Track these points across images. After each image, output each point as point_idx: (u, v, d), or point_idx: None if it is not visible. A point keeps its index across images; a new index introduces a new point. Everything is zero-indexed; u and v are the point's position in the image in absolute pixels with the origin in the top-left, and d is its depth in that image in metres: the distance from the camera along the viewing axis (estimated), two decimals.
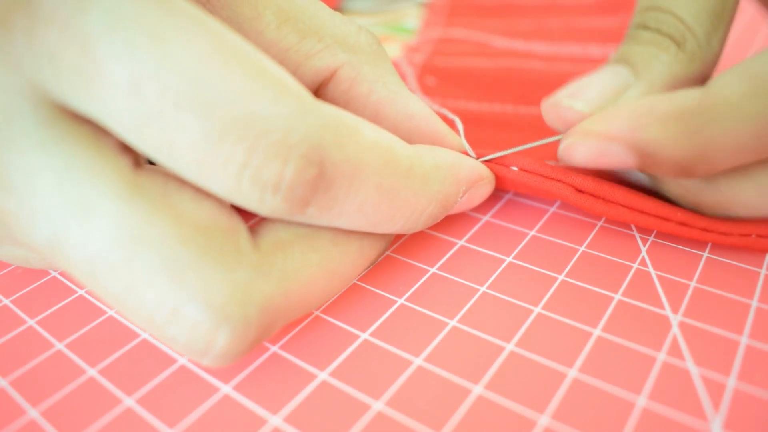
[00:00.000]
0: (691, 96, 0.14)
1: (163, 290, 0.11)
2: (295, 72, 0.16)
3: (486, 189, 0.17)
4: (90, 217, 0.11)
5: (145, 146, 0.11)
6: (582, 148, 0.15)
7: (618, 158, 0.15)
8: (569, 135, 0.15)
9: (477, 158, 0.18)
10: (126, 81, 0.11)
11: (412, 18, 0.36)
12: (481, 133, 0.23)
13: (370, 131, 0.13)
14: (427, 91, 0.26)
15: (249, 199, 0.12)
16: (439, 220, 0.16)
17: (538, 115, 0.24)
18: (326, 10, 0.17)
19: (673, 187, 0.16)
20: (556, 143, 0.18)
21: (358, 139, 0.13)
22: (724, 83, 0.14)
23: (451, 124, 0.23)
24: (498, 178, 0.18)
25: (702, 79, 0.16)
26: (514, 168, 0.17)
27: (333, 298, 0.16)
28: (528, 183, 0.17)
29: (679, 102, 0.14)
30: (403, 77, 0.27)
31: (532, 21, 0.33)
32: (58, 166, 0.11)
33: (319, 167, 0.12)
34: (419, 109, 0.17)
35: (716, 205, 0.16)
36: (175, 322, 0.11)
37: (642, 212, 0.16)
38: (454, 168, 0.15)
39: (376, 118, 0.17)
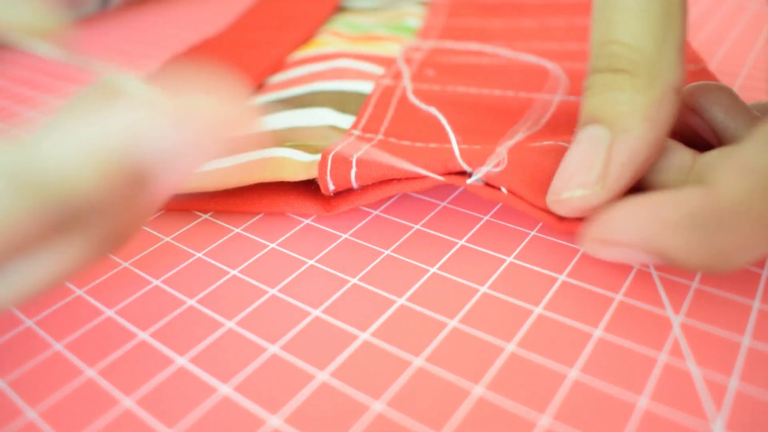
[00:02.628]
0: (696, 199, 0.14)
1: None
2: None
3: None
4: None
5: None
6: (603, 253, 0.15)
7: (639, 258, 0.14)
8: (585, 242, 0.15)
9: (470, 175, 0.18)
10: None
11: (414, 17, 0.36)
12: (479, 119, 0.23)
13: None
14: (426, 80, 0.26)
15: None
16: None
17: (539, 100, 0.24)
18: None
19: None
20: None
21: None
22: (727, 182, 0.13)
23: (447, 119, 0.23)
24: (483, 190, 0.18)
25: (676, 90, 0.16)
26: (503, 189, 0.17)
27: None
28: (515, 206, 0.17)
29: (686, 208, 0.14)
30: (401, 73, 0.27)
31: (535, 20, 0.33)
32: None
33: None
34: None
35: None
36: None
37: None
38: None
39: None
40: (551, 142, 0.20)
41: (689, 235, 0.13)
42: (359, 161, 0.18)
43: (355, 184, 0.18)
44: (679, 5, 0.16)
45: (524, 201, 0.17)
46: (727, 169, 0.14)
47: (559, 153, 0.19)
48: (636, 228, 0.14)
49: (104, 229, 0.13)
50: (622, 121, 0.15)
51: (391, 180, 0.18)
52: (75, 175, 0.12)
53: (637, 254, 0.14)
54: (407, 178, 0.18)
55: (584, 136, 0.16)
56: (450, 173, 0.18)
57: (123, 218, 0.13)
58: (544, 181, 0.17)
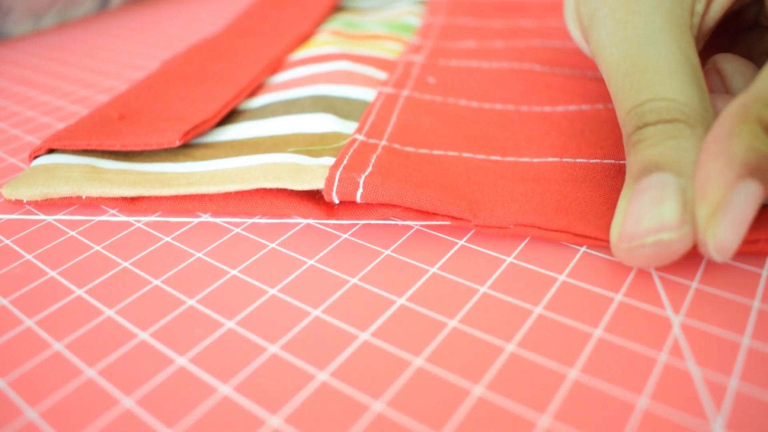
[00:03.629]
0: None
1: None
2: None
3: None
4: None
5: None
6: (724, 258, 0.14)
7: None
8: (711, 254, 0.14)
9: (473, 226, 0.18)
10: None
11: (413, 16, 0.36)
12: (481, 129, 0.23)
13: None
14: (427, 89, 0.26)
15: None
16: None
17: (539, 113, 0.24)
18: None
19: None
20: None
21: None
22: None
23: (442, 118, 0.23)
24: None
25: None
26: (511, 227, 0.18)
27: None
28: (531, 235, 0.18)
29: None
30: (405, 78, 0.27)
31: (533, 20, 0.33)
32: None
33: None
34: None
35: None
36: None
37: None
38: None
39: None
40: (555, 159, 0.20)
41: None
42: (366, 183, 0.18)
43: (359, 200, 0.18)
44: (699, 66, 0.16)
45: (540, 228, 0.17)
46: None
47: (564, 170, 0.19)
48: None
49: None
50: (690, 167, 0.15)
51: (396, 206, 0.18)
52: None
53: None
54: (411, 210, 0.18)
55: (651, 183, 0.15)
56: (456, 218, 0.18)
57: None
58: (557, 200, 0.18)
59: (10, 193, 0.21)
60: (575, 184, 0.19)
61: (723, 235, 0.14)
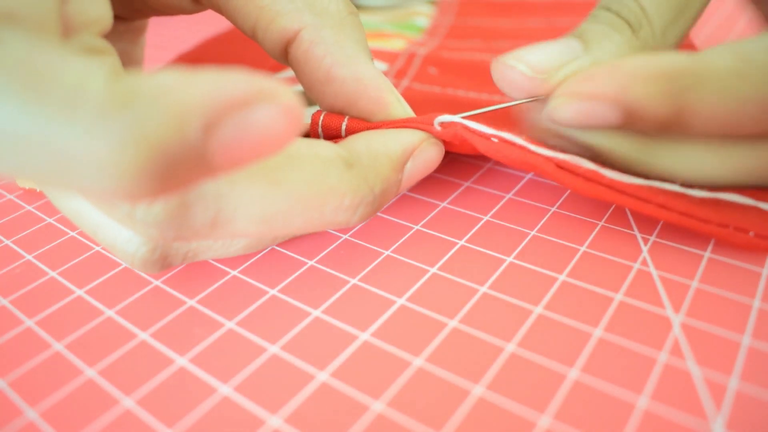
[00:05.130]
0: (680, 60, 0.14)
1: None
2: (266, 29, 0.18)
3: (429, 152, 0.17)
4: None
5: None
6: (569, 108, 0.15)
7: (604, 117, 0.15)
8: (555, 96, 0.16)
9: (438, 124, 0.17)
10: None
11: (423, 17, 0.36)
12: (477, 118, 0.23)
13: None
14: (428, 79, 0.26)
15: None
16: (384, 206, 0.17)
17: None
18: None
19: (610, 151, 0.17)
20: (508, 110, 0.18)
21: None
22: (716, 56, 0.14)
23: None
24: (470, 146, 0.18)
25: None
26: (495, 140, 0.17)
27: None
28: (508, 155, 0.17)
29: (668, 63, 0.14)
30: (405, 69, 0.27)
31: (542, 20, 0.33)
32: None
33: None
34: (369, 74, 0.18)
35: (646, 173, 0.16)
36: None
37: (621, 192, 0.16)
38: (387, 156, 0.16)
39: (327, 79, 0.18)
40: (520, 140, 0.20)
41: (660, 86, 0.14)
42: (351, 118, 0.18)
43: (344, 134, 0.18)
44: (697, 5, 0.17)
45: (518, 147, 0.17)
46: (722, 48, 0.14)
47: None
48: (614, 78, 0.15)
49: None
50: (598, 53, 0.16)
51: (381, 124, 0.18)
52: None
53: (604, 108, 0.15)
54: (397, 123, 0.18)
55: (563, 40, 0.16)
56: (428, 124, 0.18)
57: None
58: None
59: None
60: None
61: (559, 103, 0.15)
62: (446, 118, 0.17)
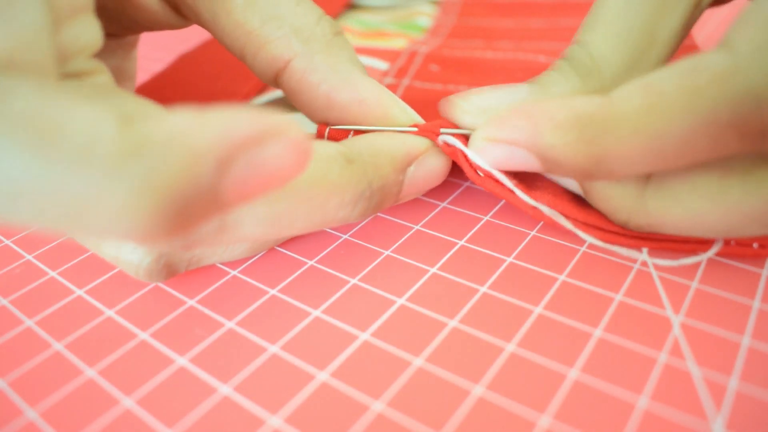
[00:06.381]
0: (588, 103, 0.14)
1: None
2: (255, 56, 0.17)
3: (435, 161, 0.17)
4: None
5: None
6: (489, 153, 0.15)
7: (524, 162, 0.15)
8: (473, 138, 0.16)
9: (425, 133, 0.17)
10: None
11: (425, 16, 0.36)
12: None
13: None
14: (429, 77, 0.26)
15: None
16: (385, 207, 0.17)
17: None
18: None
19: (605, 202, 0.16)
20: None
21: None
22: (624, 95, 0.14)
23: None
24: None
25: None
26: (480, 173, 0.17)
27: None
28: (491, 190, 0.17)
29: (577, 108, 0.14)
30: (406, 67, 0.27)
31: (545, 20, 0.33)
32: None
33: None
34: (370, 93, 0.17)
35: (646, 226, 0.15)
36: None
37: (623, 236, 0.16)
38: (388, 155, 0.16)
39: (328, 105, 0.18)
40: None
41: (571, 134, 0.14)
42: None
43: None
44: (667, 40, 0.16)
45: (501, 188, 0.17)
46: (629, 86, 0.14)
47: None
48: (525, 124, 0.14)
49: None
50: (543, 95, 0.16)
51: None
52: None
53: (522, 155, 0.15)
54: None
55: (514, 86, 0.17)
56: (420, 130, 0.18)
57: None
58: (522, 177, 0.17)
59: None
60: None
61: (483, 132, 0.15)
62: (450, 139, 0.17)
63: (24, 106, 0.10)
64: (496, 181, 0.16)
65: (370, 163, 0.15)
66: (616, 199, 0.15)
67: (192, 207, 0.10)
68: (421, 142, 0.17)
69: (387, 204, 0.16)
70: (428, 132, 0.17)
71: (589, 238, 0.16)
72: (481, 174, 0.17)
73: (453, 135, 0.17)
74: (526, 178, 0.17)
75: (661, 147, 0.13)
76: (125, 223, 0.10)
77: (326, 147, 0.15)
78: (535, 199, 0.16)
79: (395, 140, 0.17)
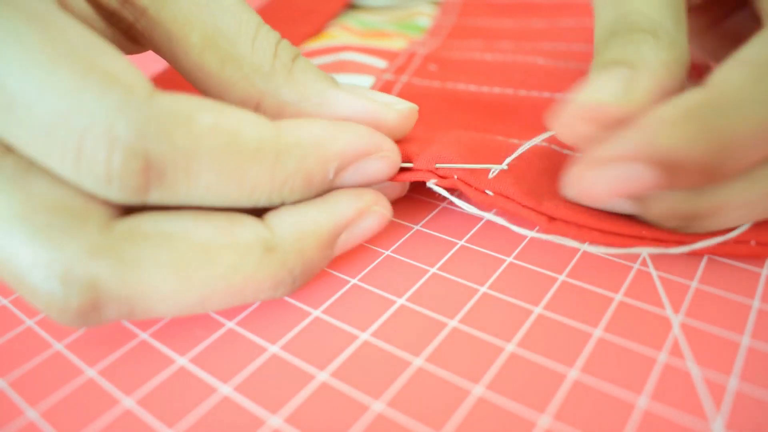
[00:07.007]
0: (694, 95, 0.13)
1: (3, 259, 0.13)
2: (222, 99, 0.16)
3: (369, 222, 0.16)
4: None
5: None
6: (601, 179, 0.14)
7: (642, 179, 0.13)
8: (575, 168, 0.14)
9: (434, 173, 0.17)
10: None
11: (425, 17, 0.36)
12: (475, 117, 0.23)
13: (208, 117, 0.13)
14: (427, 75, 0.26)
15: (93, 187, 0.13)
16: (308, 197, 0.16)
17: (538, 98, 0.24)
18: (248, 33, 0.16)
19: (662, 204, 0.15)
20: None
21: (190, 127, 0.13)
22: (725, 75, 0.14)
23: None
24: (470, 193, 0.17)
25: (686, 68, 0.16)
26: (490, 192, 0.17)
27: (246, 311, 0.16)
28: (503, 207, 0.17)
29: (685, 103, 0.13)
30: (405, 65, 0.27)
31: (545, 20, 0.33)
32: None
33: (144, 159, 0.13)
34: (348, 107, 0.17)
35: (709, 211, 0.15)
36: (21, 289, 0.13)
37: (616, 234, 0.16)
38: (318, 145, 0.15)
39: None
40: (544, 144, 0.20)
41: (688, 126, 0.13)
42: None
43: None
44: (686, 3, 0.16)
45: (513, 201, 0.17)
46: (725, 66, 0.14)
47: (550, 155, 0.19)
48: (636, 133, 0.13)
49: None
50: (647, 63, 0.15)
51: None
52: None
53: (639, 169, 0.13)
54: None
55: (605, 72, 0.15)
56: (412, 165, 0.17)
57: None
58: (532, 182, 0.17)
59: None
60: (553, 173, 0.19)
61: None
62: (443, 167, 0.17)
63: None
64: (507, 197, 0.17)
65: (292, 251, 0.15)
66: (675, 203, 0.15)
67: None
68: (354, 206, 0.16)
69: (313, 276, 0.16)
70: (423, 171, 0.17)
71: (601, 250, 0.16)
72: (491, 193, 0.17)
73: (448, 169, 0.17)
74: (537, 188, 0.17)
75: None
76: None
77: (245, 233, 0.14)
78: (549, 211, 0.16)
79: (325, 214, 0.15)
